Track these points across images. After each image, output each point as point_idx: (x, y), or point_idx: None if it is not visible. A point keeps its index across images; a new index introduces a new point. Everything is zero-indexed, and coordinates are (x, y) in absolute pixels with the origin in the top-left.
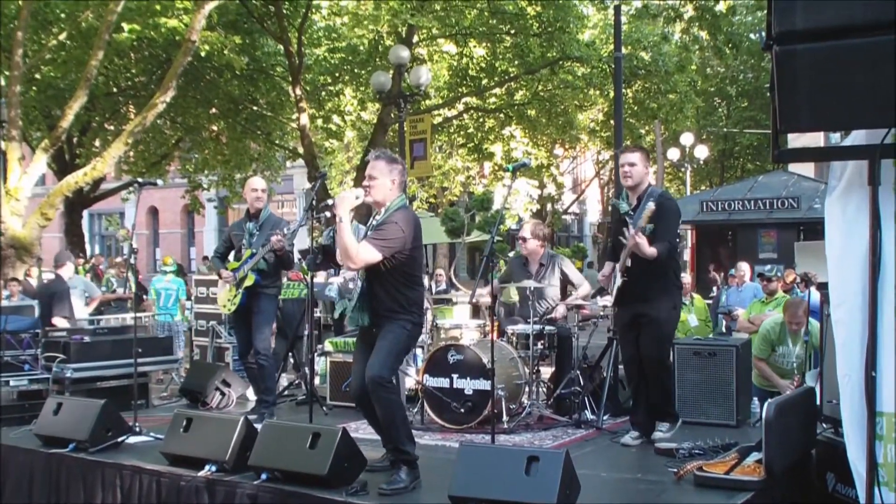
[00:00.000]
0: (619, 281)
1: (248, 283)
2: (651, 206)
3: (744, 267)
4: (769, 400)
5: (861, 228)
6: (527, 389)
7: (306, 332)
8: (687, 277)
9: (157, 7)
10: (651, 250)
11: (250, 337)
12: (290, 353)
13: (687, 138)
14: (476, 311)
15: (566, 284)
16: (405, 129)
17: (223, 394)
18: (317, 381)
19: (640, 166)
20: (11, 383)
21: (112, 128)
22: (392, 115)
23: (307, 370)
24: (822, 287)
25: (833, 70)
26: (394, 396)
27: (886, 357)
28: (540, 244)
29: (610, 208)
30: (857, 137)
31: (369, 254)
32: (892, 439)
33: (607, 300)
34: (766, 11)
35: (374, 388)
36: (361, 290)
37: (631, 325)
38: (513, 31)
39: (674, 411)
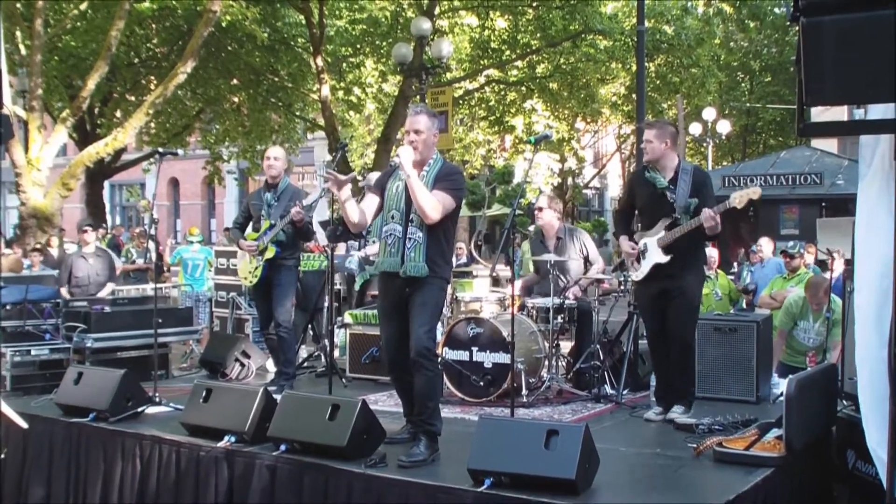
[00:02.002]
0: (662, 259)
1: (269, 255)
2: (755, 190)
3: (762, 242)
4: (790, 376)
5: (881, 215)
6: (546, 363)
7: (326, 305)
8: (714, 252)
9: None
10: (716, 216)
11: (271, 309)
12: (310, 325)
13: (709, 113)
14: (496, 284)
15: (586, 259)
16: (426, 101)
17: (243, 365)
18: (336, 353)
19: (656, 143)
20: (33, 353)
21: (133, 98)
22: (413, 88)
23: (327, 342)
24: (847, 263)
25: (860, 42)
26: (437, 370)
27: None
28: (556, 216)
29: (633, 174)
30: (886, 112)
31: (447, 203)
32: None
33: (626, 275)
34: None
35: (422, 360)
36: (422, 238)
37: (658, 298)
38: (535, 4)
39: (690, 395)
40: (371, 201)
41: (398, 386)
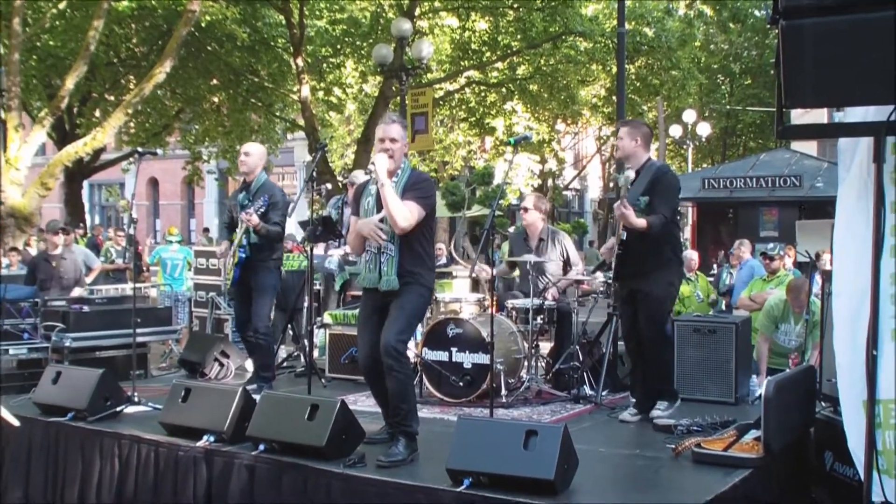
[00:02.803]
0: (615, 252)
1: (234, 259)
2: (629, 174)
3: (738, 243)
4: (769, 378)
5: (859, 220)
6: (526, 364)
7: (305, 305)
8: (694, 254)
9: None
10: (639, 222)
11: (248, 310)
12: (290, 326)
13: (689, 115)
14: (476, 285)
15: (567, 262)
16: (406, 102)
17: (222, 365)
18: (316, 353)
19: (626, 140)
20: (11, 352)
21: (112, 98)
22: (393, 89)
23: (306, 342)
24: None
25: (840, 45)
26: (407, 371)
27: (885, 344)
28: (541, 217)
29: (612, 183)
30: (865, 115)
31: (417, 212)
32: (890, 426)
33: (608, 276)
34: None
35: (389, 360)
36: (394, 251)
37: (628, 300)
38: (515, 5)
39: (673, 389)
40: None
41: (374, 392)
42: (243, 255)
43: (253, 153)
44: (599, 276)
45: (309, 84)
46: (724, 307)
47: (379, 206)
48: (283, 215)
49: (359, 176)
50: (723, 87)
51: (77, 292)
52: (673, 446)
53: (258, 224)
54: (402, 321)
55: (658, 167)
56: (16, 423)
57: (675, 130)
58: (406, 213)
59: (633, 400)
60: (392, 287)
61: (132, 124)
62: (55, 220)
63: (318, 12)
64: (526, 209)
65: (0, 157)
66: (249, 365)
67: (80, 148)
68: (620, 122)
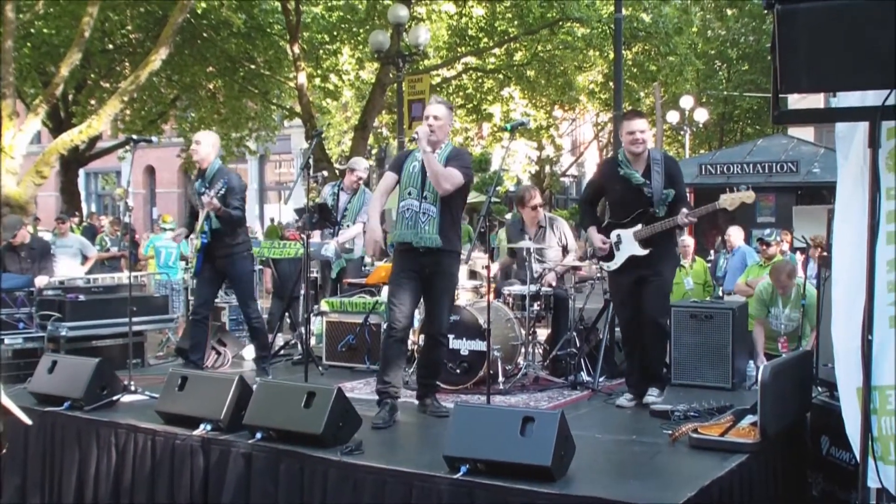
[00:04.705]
0: (641, 252)
1: (198, 245)
2: (748, 194)
3: (731, 230)
4: (765, 363)
5: (855, 207)
6: (523, 350)
7: (302, 292)
8: (689, 240)
9: None
10: (693, 219)
11: (209, 292)
12: (287, 313)
13: (686, 101)
14: (473, 272)
15: (565, 248)
16: (403, 89)
17: (218, 353)
18: (313, 341)
19: (647, 133)
20: (6, 341)
21: (108, 85)
22: (390, 75)
23: (303, 330)
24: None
25: (835, 30)
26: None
27: (883, 330)
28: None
29: (602, 169)
30: (861, 100)
31: (457, 177)
32: (887, 412)
33: (601, 264)
34: None
35: (441, 338)
36: (436, 213)
37: (632, 287)
38: None
39: (664, 376)
40: (392, 181)
41: (392, 352)
42: (204, 241)
43: (203, 141)
44: (594, 264)
45: (305, 71)
46: (720, 293)
47: (423, 173)
48: (241, 199)
49: (359, 162)
50: (720, 72)
51: (43, 280)
52: (670, 432)
53: (219, 207)
54: (448, 304)
55: (666, 157)
56: (28, 421)
57: (673, 116)
58: (448, 174)
59: (627, 385)
60: (435, 244)
61: (128, 112)
62: (13, 218)
63: None
64: (541, 205)
65: None
66: (246, 353)
67: (75, 136)
68: (633, 112)
